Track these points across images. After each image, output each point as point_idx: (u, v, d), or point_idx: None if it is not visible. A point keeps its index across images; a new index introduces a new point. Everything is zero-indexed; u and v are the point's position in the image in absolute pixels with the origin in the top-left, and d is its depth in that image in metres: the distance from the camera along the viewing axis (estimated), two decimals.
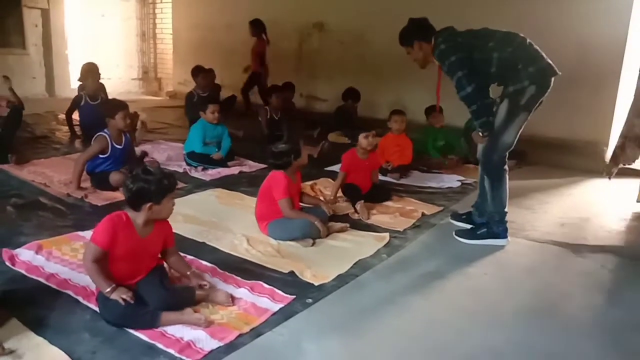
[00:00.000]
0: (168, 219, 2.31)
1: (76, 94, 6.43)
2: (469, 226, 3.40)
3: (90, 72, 5.89)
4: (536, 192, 4.41)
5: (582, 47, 5.29)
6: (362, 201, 3.65)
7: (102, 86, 6.03)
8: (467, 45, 3.03)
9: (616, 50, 5.18)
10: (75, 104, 5.80)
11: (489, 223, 3.23)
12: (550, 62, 2.97)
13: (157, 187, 2.11)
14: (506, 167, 3.15)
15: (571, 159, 5.36)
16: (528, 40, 3.02)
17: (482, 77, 3.03)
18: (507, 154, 3.11)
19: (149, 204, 2.11)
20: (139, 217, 2.13)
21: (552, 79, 2.96)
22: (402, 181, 4.61)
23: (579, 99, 5.29)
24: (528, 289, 2.64)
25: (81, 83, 6.24)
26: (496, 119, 3.04)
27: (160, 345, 1.93)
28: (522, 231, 3.45)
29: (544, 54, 2.98)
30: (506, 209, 3.19)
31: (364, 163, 3.88)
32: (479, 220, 3.38)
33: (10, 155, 4.48)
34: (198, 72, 6.91)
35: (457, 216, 3.60)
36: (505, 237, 3.21)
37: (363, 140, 3.80)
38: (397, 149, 4.78)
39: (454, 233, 3.30)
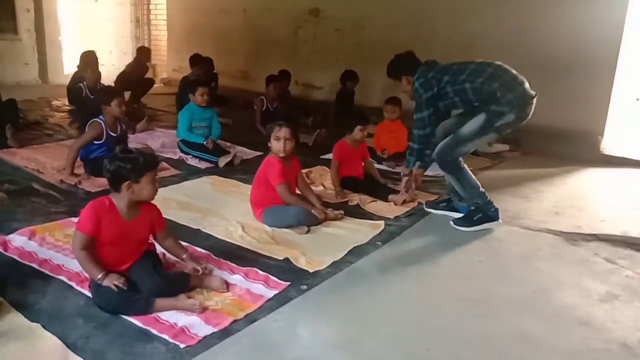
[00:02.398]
0: (155, 203, 2.28)
1: (69, 80, 6.45)
2: (452, 214, 3.41)
3: (90, 62, 5.87)
4: (531, 181, 4.41)
5: (578, 37, 5.27)
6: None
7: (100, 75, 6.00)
8: (438, 80, 3.24)
9: (612, 39, 5.16)
10: (75, 96, 5.78)
11: (479, 209, 3.25)
12: (528, 89, 3.08)
13: (134, 165, 2.09)
14: (460, 161, 3.24)
15: (566, 148, 5.35)
16: (504, 67, 3.14)
17: (463, 104, 3.25)
18: (461, 162, 3.25)
19: (127, 183, 2.09)
20: (121, 200, 2.12)
21: (533, 102, 3.09)
22: (398, 169, 4.60)
23: (574, 88, 5.29)
24: (522, 277, 2.65)
25: (77, 71, 6.21)
26: (467, 126, 3.15)
27: (154, 331, 1.93)
28: (516, 219, 3.46)
29: (520, 79, 3.10)
30: (482, 189, 3.25)
31: (355, 152, 3.89)
32: (462, 206, 3.41)
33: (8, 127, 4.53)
34: (195, 61, 6.87)
35: (434, 205, 3.59)
36: (498, 218, 3.25)
37: (358, 133, 3.80)
38: (392, 135, 4.79)
39: (451, 222, 3.30)
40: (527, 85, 3.10)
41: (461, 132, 3.17)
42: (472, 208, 3.29)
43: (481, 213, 3.24)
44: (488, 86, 3.08)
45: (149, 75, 7.89)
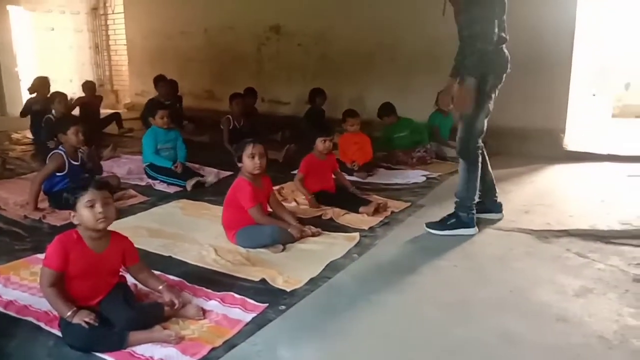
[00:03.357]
0: (124, 233, 2.22)
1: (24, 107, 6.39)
2: (486, 215, 3.45)
3: (60, 95, 5.80)
4: (498, 182, 4.41)
5: (533, 37, 5.42)
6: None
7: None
8: None
9: (565, 37, 5.34)
10: (43, 127, 5.67)
11: (457, 212, 3.27)
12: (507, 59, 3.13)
13: (72, 193, 2.07)
14: (479, 158, 3.25)
15: (530, 147, 5.49)
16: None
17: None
18: (482, 142, 3.26)
19: (72, 213, 2.06)
20: (84, 232, 2.07)
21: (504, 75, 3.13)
22: (368, 179, 4.63)
23: (534, 88, 5.43)
24: (498, 278, 2.68)
25: (30, 98, 6.16)
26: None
27: None
28: (487, 221, 3.50)
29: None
30: (476, 198, 3.26)
31: (323, 164, 3.90)
32: (495, 205, 3.49)
33: None
34: (158, 80, 6.83)
35: (437, 225, 3.35)
36: (473, 226, 3.26)
37: (320, 144, 3.82)
38: (357, 146, 4.83)
39: (424, 225, 3.32)
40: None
41: (466, 116, 3.18)
42: (452, 212, 3.30)
43: (455, 219, 3.26)
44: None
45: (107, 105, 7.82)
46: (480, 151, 3.26)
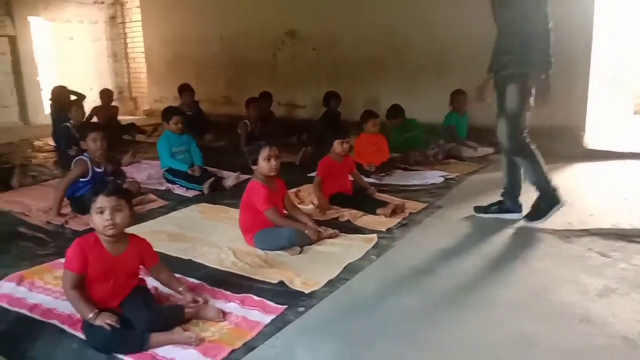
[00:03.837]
0: (144, 236, 2.25)
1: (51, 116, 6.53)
2: (505, 216, 3.46)
3: (76, 102, 5.93)
4: None
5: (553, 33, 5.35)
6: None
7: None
8: None
9: (584, 34, 5.26)
10: (62, 136, 5.79)
11: (543, 196, 3.30)
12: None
13: (88, 197, 2.12)
14: (530, 146, 3.31)
15: (550, 145, 5.33)
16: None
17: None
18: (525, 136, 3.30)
19: (89, 216, 2.11)
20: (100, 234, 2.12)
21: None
22: (386, 180, 4.61)
23: (553, 86, 5.32)
24: (519, 278, 2.65)
25: (52, 109, 6.31)
26: (507, 102, 3.24)
27: None
28: (507, 221, 3.46)
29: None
30: (547, 179, 3.29)
31: (340, 165, 3.91)
32: (515, 206, 3.46)
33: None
34: (182, 89, 6.93)
35: (485, 209, 3.56)
36: (559, 201, 3.26)
37: (338, 146, 3.83)
38: (374, 148, 4.83)
39: (525, 220, 3.36)
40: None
41: (508, 110, 3.23)
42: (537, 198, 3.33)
43: (542, 202, 3.28)
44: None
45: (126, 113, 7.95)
46: (528, 141, 3.30)
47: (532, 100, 3.24)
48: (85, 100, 6.50)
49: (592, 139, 5.51)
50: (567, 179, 4.62)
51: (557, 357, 1.96)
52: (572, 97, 5.39)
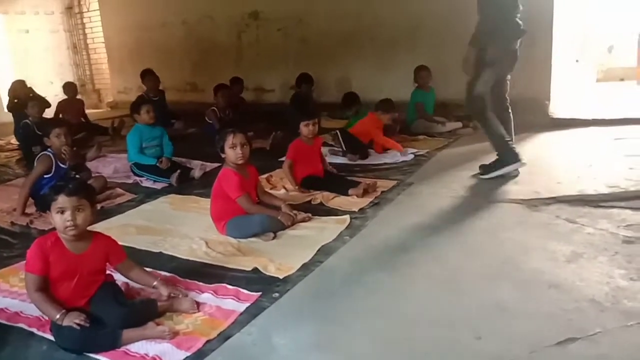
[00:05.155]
0: (110, 232, 2.20)
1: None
2: (503, 171, 3.75)
3: (33, 98, 5.70)
4: (486, 154, 4.45)
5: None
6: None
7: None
8: None
9: (545, 3, 5.30)
10: (23, 134, 5.58)
11: (500, 155, 3.74)
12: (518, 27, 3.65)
13: (49, 194, 2.06)
14: (488, 110, 3.74)
15: (516, 116, 5.41)
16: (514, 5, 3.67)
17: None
18: (484, 103, 3.73)
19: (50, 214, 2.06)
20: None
21: (515, 41, 3.65)
22: (358, 162, 4.61)
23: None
24: (489, 249, 2.69)
25: (9, 103, 6.09)
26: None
27: None
28: (476, 193, 3.50)
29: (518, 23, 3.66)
30: (507, 138, 3.73)
31: (311, 148, 3.87)
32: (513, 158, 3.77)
33: None
34: (145, 74, 6.74)
35: (488, 168, 3.83)
36: (517, 160, 3.70)
37: (304, 128, 3.78)
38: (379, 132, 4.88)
39: (479, 174, 3.82)
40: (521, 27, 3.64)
41: (470, 81, 3.72)
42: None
43: (496, 162, 3.74)
44: (486, 24, 3.55)
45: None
46: (484, 107, 3.72)
47: (498, 72, 3.70)
48: (48, 107, 6.19)
49: (556, 108, 5.60)
50: (533, 148, 4.70)
51: (529, 322, 2.00)
52: (536, 68, 5.45)
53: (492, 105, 3.80)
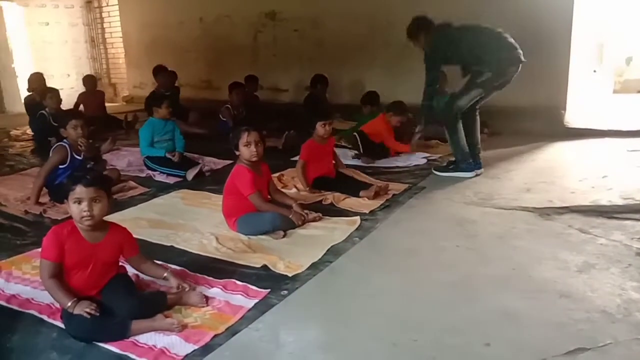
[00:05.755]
0: (124, 224, 2.22)
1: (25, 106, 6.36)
2: (460, 174, 4.05)
3: (52, 90, 5.77)
4: (500, 161, 4.47)
5: (532, 12, 5.36)
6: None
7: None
8: (440, 48, 3.97)
9: (564, 13, 5.27)
10: (38, 124, 5.65)
11: (457, 162, 4.09)
12: (515, 54, 3.84)
13: (66, 184, 2.07)
14: (459, 122, 4.02)
15: (531, 125, 5.44)
16: (501, 35, 3.89)
17: (456, 60, 4.05)
18: (461, 114, 4.02)
19: (67, 202, 2.07)
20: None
21: (513, 67, 3.86)
22: (370, 163, 4.60)
23: (534, 66, 5.28)
24: (500, 256, 2.67)
25: (28, 95, 6.14)
26: (459, 86, 4.02)
27: (132, 356, 1.87)
28: (489, 200, 3.49)
29: (512, 47, 3.85)
30: (466, 150, 4.04)
31: (324, 148, 3.88)
32: (469, 166, 4.09)
33: None
34: (157, 71, 6.79)
35: (442, 169, 4.20)
36: (470, 170, 4.04)
37: (320, 128, 3.78)
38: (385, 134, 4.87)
39: (432, 169, 4.19)
40: (516, 51, 3.86)
41: (455, 91, 4.04)
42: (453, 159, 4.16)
43: (453, 165, 4.11)
44: (477, 52, 3.87)
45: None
46: (459, 121, 4.01)
47: (478, 95, 3.96)
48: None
49: (572, 118, 5.56)
50: (548, 157, 4.67)
51: (539, 330, 1.99)
52: (553, 77, 5.43)
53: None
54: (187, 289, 2.24)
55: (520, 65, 3.87)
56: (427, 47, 4.02)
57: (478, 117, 4.18)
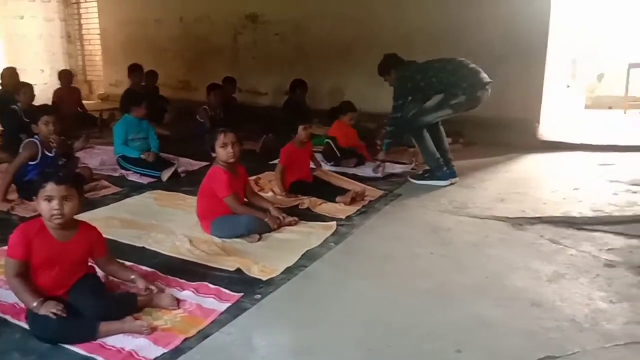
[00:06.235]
0: (95, 224, 2.17)
1: None
2: (435, 183, 4.10)
3: (26, 85, 5.60)
4: (475, 171, 4.53)
5: (509, 27, 5.47)
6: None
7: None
8: (412, 78, 4.14)
9: (540, 28, 5.38)
10: (8, 118, 5.48)
11: (431, 170, 4.15)
12: (482, 77, 3.99)
13: (37, 180, 2.03)
14: (424, 130, 4.13)
15: (505, 136, 5.53)
16: (463, 63, 4.05)
17: (432, 91, 4.08)
18: (424, 127, 4.14)
19: (35, 199, 2.03)
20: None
21: (482, 91, 3.99)
22: (352, 170, 4.55)
23: (509, 78, 5.45)
24: (474, 264, 2.69)
25: (2, 90, 5.96)
26: (429, 102, 4.09)
27: (99, 358, 1.82)
28: (463, 209, 3.52)
29: (475, 70, 4.01)
30: (437, 156, 4.11)
31: (302, 152, 3.88)
32: (444, 174, 4.15)
33: None
34: (132, 69, 6.70)
35: (418, 176, 4.26)
36: (445, 179, 4.09)
37: (302, 132, 3.79)
38: (349, 138, 4.89)
39: (408, 177, 4.25)
40: (481, 75, 4.00)
41: (425, 106, 4.10)
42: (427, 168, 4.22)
43: (429, 174, 4.15)
44: (447, 79, 3.99)
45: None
46: (424, 130, 4.12)
47: (447, 115, 4.10)
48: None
49: (546, 131, 5.67)
50: (521, 168, 4.75)
51: (510, 338, 2.01)
52: (528, 91, 5.54)
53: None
54: (155, 292, 2.19)
55: (489, 88, 4.01)
56: (395, 81, 4.24)
57: (442, 127, 4.27)
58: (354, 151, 4.84)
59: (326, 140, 4.98)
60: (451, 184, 4.10)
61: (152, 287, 2.21)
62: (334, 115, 5.04)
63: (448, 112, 4.05)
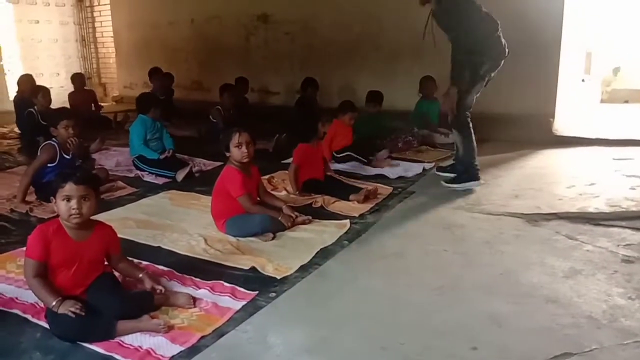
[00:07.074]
0: (111, 224, 2.20)
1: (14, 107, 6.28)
2: (452, 175, 3.96)
3: (43, 89, 5.71)
4: (489, 167, 4.49)
5: (522, 21, 5.39)
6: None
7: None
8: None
9: (554, 23, 5.32)
10: (26, 122, 5.58)
11: (466, 170, 3.87)
12: (503, 47, 3.77)
13: (55, 181, 2.06)
14: (470, 124, 3.85)
15: (520, 132, 5.48)
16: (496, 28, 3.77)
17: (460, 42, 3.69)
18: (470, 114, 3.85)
19: (53, 199, 2.06)
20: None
21: (502, 59, 3.76)
22: (370, 171, 4.51)
23: (522, 73, 5.39)
24: (488, 261, 2.68)
25: (16, 96, 6.09)
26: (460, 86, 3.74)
27: (118, 357, 1.85)
28: (477, 205, 3.50)
29: (502, 41, 3.78)
30: (475, 156, 3.87)
31: (316, 151, 3.89)
32: (460, 168, 3.95)
33: None
34: (152, 73, 6.78)
35: (442, 168, 4.19)
36: (477, 179, 3.87)
37: (322, 129, 3.82)
38: (343, 137, 4.84)
39: (442, 182, 3.93)
40: (503, 46, 3.77)
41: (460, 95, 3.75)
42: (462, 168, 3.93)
43: (465, 175, 3.88)
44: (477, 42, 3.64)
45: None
46: (469, 120, 3.83)
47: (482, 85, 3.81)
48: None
49: (561, 126, 5.61)
50: (536, 164, 4.71)
51: (525, 335, 2.00)
52: (542, 85, 5.48)
53: None
54: (161, 292, 2.19)
55: (503, 61, 3.78)
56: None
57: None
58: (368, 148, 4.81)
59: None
60: (482, 183, 3.92)
61: (159, 287, 2.21)
62: (334, 114, 4.92)
63: (481, 84, 3.78)
